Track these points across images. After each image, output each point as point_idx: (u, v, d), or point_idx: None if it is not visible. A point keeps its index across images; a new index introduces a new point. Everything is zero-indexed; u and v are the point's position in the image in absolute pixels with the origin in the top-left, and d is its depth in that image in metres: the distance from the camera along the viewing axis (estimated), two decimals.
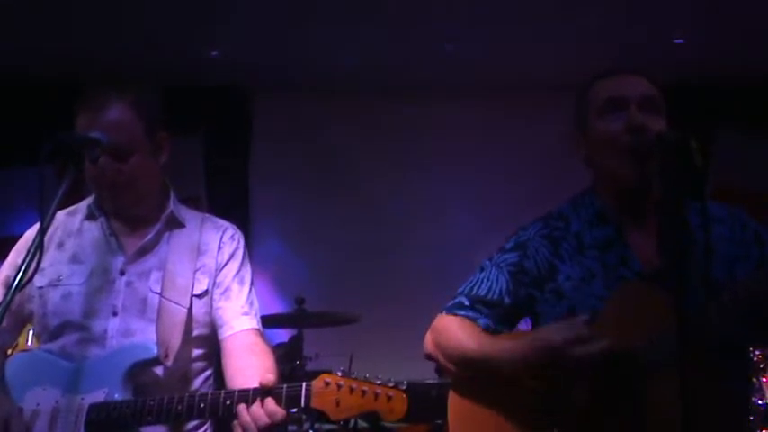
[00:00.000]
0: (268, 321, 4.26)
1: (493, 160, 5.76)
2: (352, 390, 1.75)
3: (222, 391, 1.88)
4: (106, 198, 2.11)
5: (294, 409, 1.85)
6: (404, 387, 1.74)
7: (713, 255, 1.78)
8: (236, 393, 1.84)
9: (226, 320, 2.11)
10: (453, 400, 1.96)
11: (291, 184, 5.83)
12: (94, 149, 1.92)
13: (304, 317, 3.58)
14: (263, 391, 1.81)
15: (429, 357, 2.00)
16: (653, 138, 1.67)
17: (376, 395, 1.73)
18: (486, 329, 1.92)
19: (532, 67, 5.54)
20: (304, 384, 1.78)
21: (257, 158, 5.90)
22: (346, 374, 1.80)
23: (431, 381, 3.12)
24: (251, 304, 2.18)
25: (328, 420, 3.66)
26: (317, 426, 3.56)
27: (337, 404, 1.75)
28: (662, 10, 4.87)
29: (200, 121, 5.84)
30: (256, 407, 1.79)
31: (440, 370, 2.77)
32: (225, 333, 2.09)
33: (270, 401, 1.79)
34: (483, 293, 1.95)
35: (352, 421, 3.73)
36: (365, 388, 1.75)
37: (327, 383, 1.77)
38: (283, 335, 4.17)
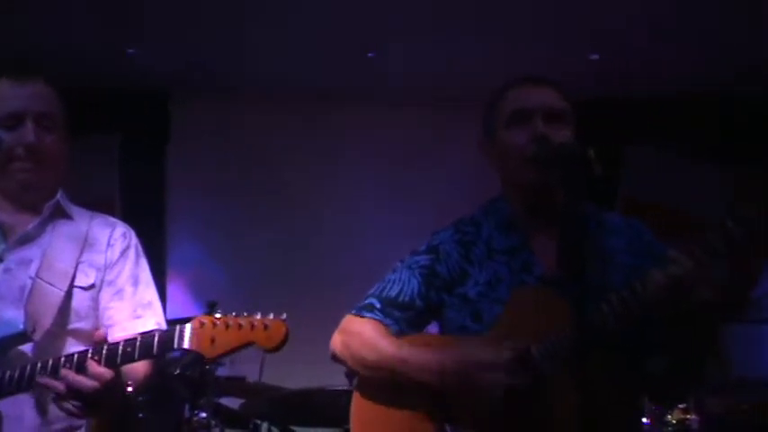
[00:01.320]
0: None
1: (408, 164, 5.82)
2: (228, 326, 1.73)
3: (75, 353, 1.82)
4: (17, 171, 2.03)
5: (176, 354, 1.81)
6: (283, 317, 1.74)
7: (610, 263, 1.87)
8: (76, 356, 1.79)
9: (117, 321, 2.07)
10: (357, 401, 1.98)
11: (209, 187, 5.75)
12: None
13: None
14: (93, 351, 1.77)
15: (335, 358, 2.01)
16: (555, 147, 1.73)
17: (252, 326, 1.72)
18: (396, 334, 1.94)
19: (447, 78, 5.62)
20: (177, 326, 1.75)
21: (174, 161, 5.79)
22: (225, 313, 1.78)
23: (342, 387, 3.12)
24: (147, 305, 2.14)
25: (237, 425, 3.64)
26: (226, 431, 3.52)
27: (212, 342, 1.72)
28: (577, 25, 5.03)
29: (116, 121, 5.70)
30: (71, 375, 1.75)
31: (349, 374, 2.79)
32: (115, 334, 2.03)
33: (92, 364, 1.75)
34: (394, 295, 1.96)
35: (264, 426, 3.70)
36: (242, 322, 1.73)
37: (203, 324, 1.74)
38: None
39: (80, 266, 2.05)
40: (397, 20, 4.88)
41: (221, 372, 3.88)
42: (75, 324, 2.05)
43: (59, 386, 1.76)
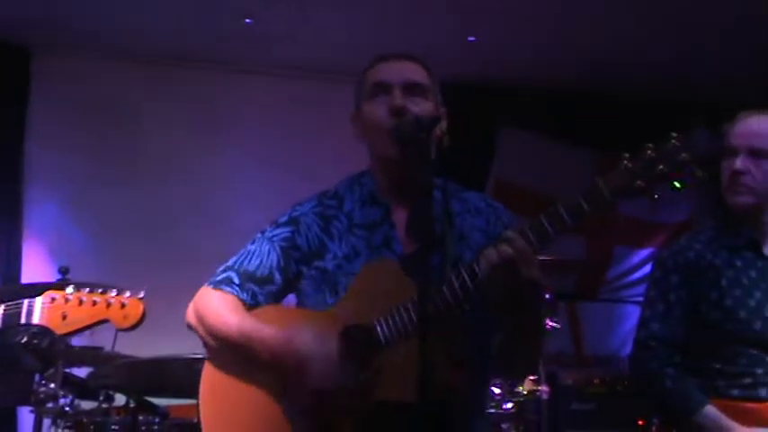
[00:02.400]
0: (27, 291, 4.02)
1: (285, 135, 5.77)
2: (81, 302, 1.68)
3: None
4: None
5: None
6: (141, 296, 1.67)
7: (465, 241, 1.91)
8: None
9: None
10: (207, 371, 1.96)
11: (73, 148, 5.49)
12: None
13: (67, 287, 3.38)
14: None
15: (189, 327, 1.98)
16: (410, 120, 1.75)
17: (108, 303, 1.68)
18: (252, 308, 1.93)
19: (331, 50, 5.60)
20: (26, 301, 1.68)
21: (35, 119, 5.49)
22: (79, 288, 1.70)
23: (196, 355, 3.07)
24: None
25: (88, 395, 3.52)
26: (76, 402, 3.39)
27: (64, 318, 1.67)
28: (457, 8, 5.11)
29: None
30: None
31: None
32: None
33: None
34: (252, 269, 1.94)
35: (121, 399, 3.59)
36: (96, 298, 1.68)
37: (54, 299, 1.69)
38: None
39: None
40: None
41: (76, 341, 3.74)
42: None
43: None
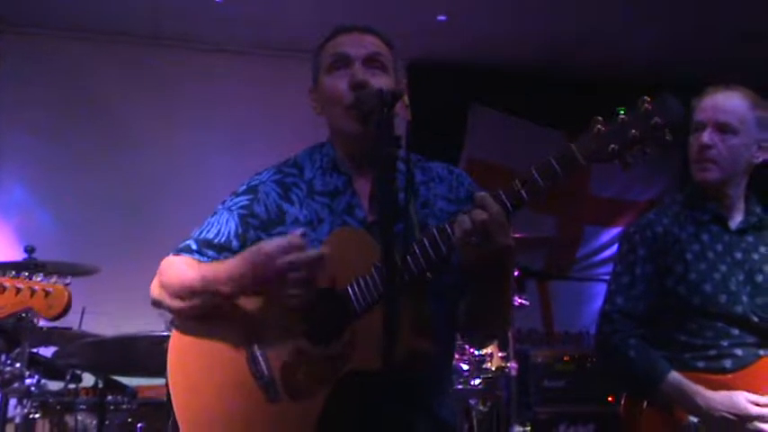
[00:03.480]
0: None
1: (255, 115, 5.74)
2: (4, 289, 1.63)
3: None
4: None
5: None
6: (67, 282, 1.65)
7: (429, 208, 1.91)
8: None
9: None
10: (174, 339, 1.95)
11: (40, 128, 5.43)
12: None
13: (35, 266, 3.34)
14: None
15: (155, 303, 1.95)
16: (371, 93, 1.73)
17: (32, 291, 1.63)
18: None
19: (298, 29, 5.55)
20: None
21: (3, 97, 5.41)
22: (4, 273, 1.67)
23: (164, 332, 3.05)
24: None
25: (55, 375, 3.48)
26: (42, 382, 3.35)
27: None
28: None
29: None
30: None
31: (172, 322, 2.73)
32: None
33: None
34: (211, 236, 1.93)
35: (89, 379, 3.56)
36: (20, 285, 1.64)
37: None
38: None
39: None
40: None
41: (44, 322, 3.70)
42: None
43: None
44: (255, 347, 1.82)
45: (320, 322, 1.77)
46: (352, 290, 1.75)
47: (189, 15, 5.40)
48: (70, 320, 4.11)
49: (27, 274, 1.65)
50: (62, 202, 5.40)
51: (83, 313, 3.80)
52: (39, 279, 1.64)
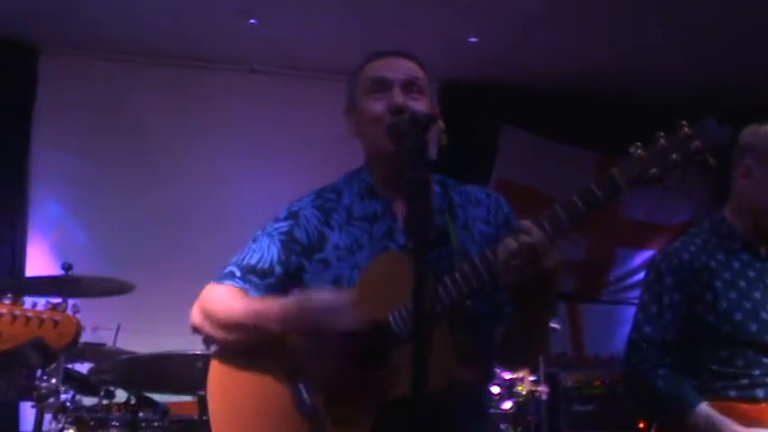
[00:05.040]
0: (35, 286, 4.04)
1: (288, 137, 5.78)
2: (15, 317, 1.63)
3: None
4: None
5: None
6: (75, 312, 1.67)
7: (468, 232, 1.92)
8: None
9: None
10: (214, 368, 1.95)
11: (77, 148, 5.53)
12: None
13: (71, 283, 3.40)
14: None
15: (195, 329, 1.97)
16: (407, 117, 1.76)
17: (41, 321, 1.63)
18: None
19: (331, 51, 5.62)
20: None
21: (41, 118, 5.51)
22: (14, 302, 1.67)
23: (198, 351, 3.08)
24: None
25: (89, 391, 3.53)
26: (77, 398, 3.40)
27: None
28: (459, 9, 5.12)
29: None
30: None
31: (207, 341, 2.77)
32: None
33: None
34: (254, 262, 1.94)
35: (122, 395, 3.61)
36: (30, 314, 1.64)
37: None
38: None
39: None
40: None
41: (84, 337, 3.76)
42: None
43: None
44: (298, 377, 1.83)
45: (363, 350, 1.76)
46: (393, 317, 1.75)
47: (223, 37, 5.48)
48: (105, 337, 4.19)
49: (34, 303, 1.66)
50: (97, 221, 5.48)
51: (117, 330, 3.86)
52: (48, 309, 1.65)
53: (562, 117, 6.27)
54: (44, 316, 1.64)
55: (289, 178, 5.37)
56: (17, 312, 1.64)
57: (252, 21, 5.29)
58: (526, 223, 1.64)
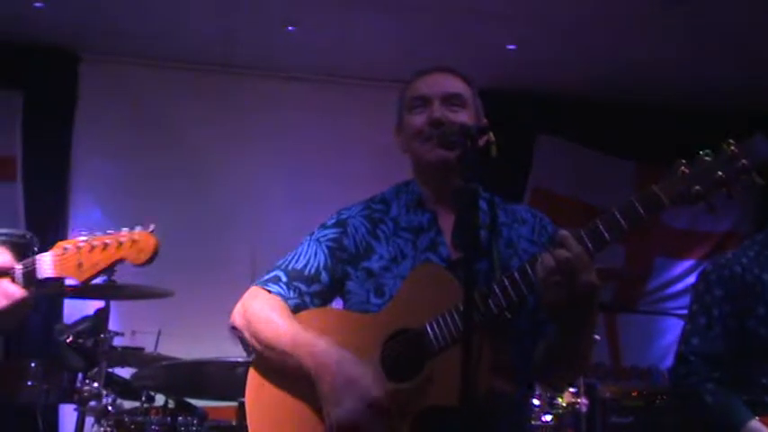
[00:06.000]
0: (77, 291, 4.09)
1: (325, 143, 5.80)
2: (93, 247, 1.67)
3: None
4: None
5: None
6: (150, 229, 1.68)
7: (513, 249, 1.92)
8: None
9: None
10: (252, 377, 1.97)
11: (117, 152, 5.59)
12: None
13: (113, 288, 3.45)
14: None
15: (234, 329, 1.99)
16: (455, 128, 1.77)
17: (120, 243, 1.67)
18: (296, 310, 1.93)
19: (371, 58, 5.63)
20: (38, 256, 1.69)
21: (81, 123, 5.59)
22: (90, 236, 1.70)
23: (238, 358, 3.10)
24: None
25: (130, 395, 3.57)
26: (118, 402, 3.44)
27: (79, 266, 1.67)
28: (497, 17, 5.10)
29: (22, 78, 5.46)
30: None
31: (247, 348, 2.78)
32: None
33: (3, 282, 1.69)
34: (300, 267, 1.97)
35: (160, 399, 3.64)
36: (108, 240, 1.68)
37: (66, 249, 1.69)
38: (92, 308, 3.99)
39: None
40: None
41: (118, 342, 3.81)
42: None
43: None
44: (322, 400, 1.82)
45: (399, 359, 1.78)
46: (431, 327, 1.76)
47: (261, 43, 5.52)
48: (143, 341, 4.22)
49: (111, 231, 1.68)
50: (135, 224, 5.51)
51: (158, 335, 3.89)
52: (123, 231, 1.69)
53: (598, 125, 6.22)
54: (122, 238, 1.67)
55: (327, 186, 5.39)
56: (95, 243, 1.67)
57: (290, 28, 5.32)
58: (564, 234, 1.62)
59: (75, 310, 3.77)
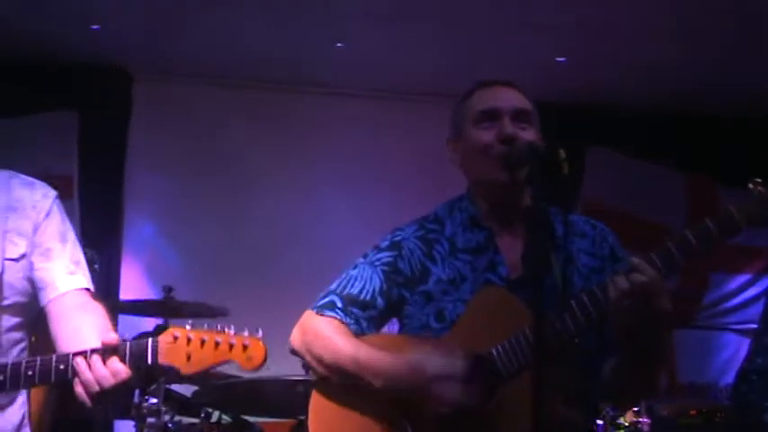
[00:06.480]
0: (133, 307, 4.15)
1: (378, 161, 5.81)
2: (203, 342, 1.66)
3: (54, 356, 1.73)
4: None
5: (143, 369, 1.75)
6: (259, 336, 1.69)
7: (573, 264, 1.88)
8: (72, 356, 1.70)
9: (49, 282, 1.93)
10: (315, 398, 1.95)
11: (171, 171, 5.66)
12: None
13: (172, 306, 3.49)
14: (104, 350, 1.68)
15: (294, 353, 1.99)
16: (524, 147, 1.74)
17: (231, 345, 1.66)
18: (356, 334, 1.92)
19: (421, 72, 5.62)
20: (150, 340, 1.68)
21: (136, 141, 5.68)
22: (197, 328, 1.71)
23: (296, 377, 3.10)
24: (77, 263, 1.99)
25: (188, 412, 3.60)
26: (176, 418, 3.47)
27: (188, 358, 1.66)
28: (546, 27, 5.07)
29: (78, 98, 5.57)
30: (99, 366, 1.67)
31: (306, 366, 2.79)
32: (49, 295, 1.92)
33: (113, 360, 1.68)
34: (356, 293, 1.94)
35: (215, 415, 3.66)
36: (219, 339, 1.67)
37: (176, 337, 1.67)
38: (148, 324, 4.03)
39: (7, 236, 1.92)
40: (370, 9, 4.86)
41: None
42: (10, 300, 1.93)
43: (88, 373, 1.68)
44: (402, 415, 1.81)
45: (466, 387, 1.75)
46: (498, 353, 1.73)
47: (307, 60, 5.54)
48: None
49: (220, 327, 1.72)
50: (190, 245, 5.58)
51: None
52: (232, 332, 1.70)
53: (649, 136, 6.13)
54: (233, 341, 1.68)
55: (380, 204, 5.38)
56: (206, 337, 1.68)
57: (339, 44, 5.34)
58: (638, 261, 1.59)
59: (132, 326, 3.81)
